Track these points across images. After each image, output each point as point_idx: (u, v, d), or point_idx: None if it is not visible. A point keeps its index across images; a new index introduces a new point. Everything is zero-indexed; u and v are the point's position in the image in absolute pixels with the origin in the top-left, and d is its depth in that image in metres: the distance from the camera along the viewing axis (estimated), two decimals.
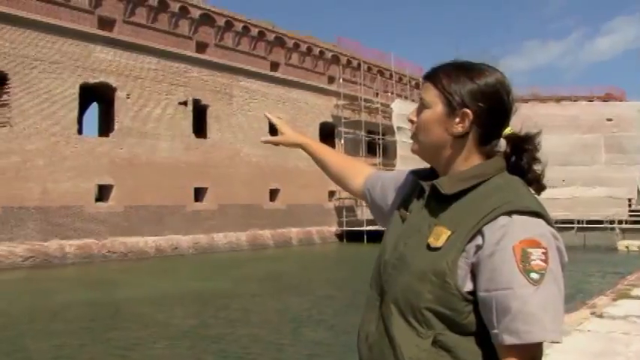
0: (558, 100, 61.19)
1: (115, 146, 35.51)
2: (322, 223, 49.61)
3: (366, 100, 54.52)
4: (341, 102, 53.01)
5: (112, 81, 35.66)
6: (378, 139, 53.72)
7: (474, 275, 1.57)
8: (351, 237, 47.77)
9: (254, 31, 45.80)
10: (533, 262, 1.49)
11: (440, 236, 1.63)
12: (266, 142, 2.53)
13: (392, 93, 58.06)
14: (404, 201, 1.90)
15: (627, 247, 41.45)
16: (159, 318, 17.53)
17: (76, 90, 33.87)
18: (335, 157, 2.38)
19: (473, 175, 1.68)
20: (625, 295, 11.17)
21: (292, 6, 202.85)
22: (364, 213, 46.80)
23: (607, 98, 62.73)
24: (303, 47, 50.60)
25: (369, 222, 45.46)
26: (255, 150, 42.97)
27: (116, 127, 35.95)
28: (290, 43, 49.08)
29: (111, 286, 24.11)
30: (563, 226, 45.08)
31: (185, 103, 39.89)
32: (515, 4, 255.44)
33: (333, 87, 53.14)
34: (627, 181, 50.34)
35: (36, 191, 31.16)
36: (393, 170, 2.30)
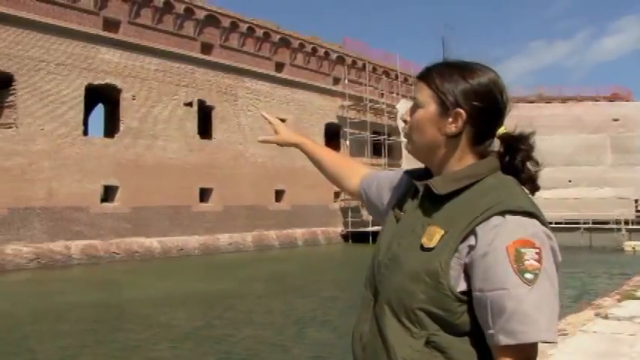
0: (564, 100, 61.13)
1: (120, 147, 35.58)
2: (327, 223, 49.62)
3: (371, 101, 54.55)
4: (346, 103, 53.01)
5: (117, 82, 35.74)
6: (384, 139, 53.72)
7: (467, 275, 1.57)
8: (356, 238, 47.73)
9: (259, 32, 45.83)
10: (527, 262, 1.49)
11: (433, 236, 1.62)
12: (263, 141, 2.53)
13: (397, 94, 58.00)
14: (399, 201, 1.90)
15: (634, 247, 41.25)
16: (163, 319, 17.53)
17: (82, 91, 33.96)
18: (331, 156, 2.38)
19: (466, 175, 1.67)
20: (630, 296, 11.13)
21: (297, 7, 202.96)
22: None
23: (613, 98, 62.59)
24: (308, 48, 50.62)
25: (375, 223, 45.37)
26: (260, 151, 43.01)
27: (122, 128, 36.02)
28: (295, 44, 49.10)
29: (116, 287, 24.15)
30: (569, 226, 45.04)
31: (190, 104, 39.95)
32: (521, 4, 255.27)
33: (338, 88, 53.13)
34: (634, 182, 50.15)
35: (42, 192, 31.24)
36: (391, 170, 2.28)
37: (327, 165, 2.34)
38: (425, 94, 1.74)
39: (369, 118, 53.82)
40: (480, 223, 1.56)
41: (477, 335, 1.55)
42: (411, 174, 1.89)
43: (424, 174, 1.82)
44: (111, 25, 36.21)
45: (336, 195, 49.17)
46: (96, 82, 34.66)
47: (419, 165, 1.89)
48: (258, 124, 42.68)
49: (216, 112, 41.81)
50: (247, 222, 42.35)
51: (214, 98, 41.66)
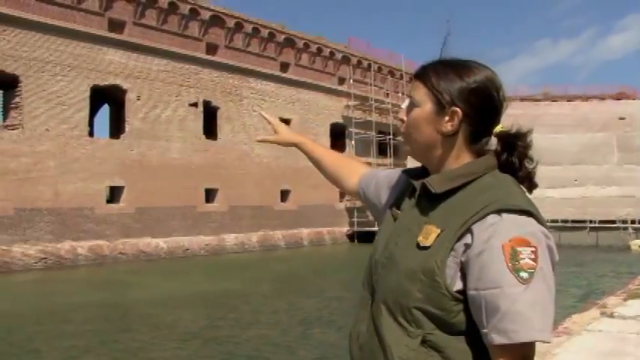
0: (570, 99, 60.88)
1: (125, 148, 35.63)
2: (333, 223, 49.64)
3: (376, 101, 54.51)
4: (352, 102, 52.98)
5: (122, 83, 35.79)
6: (389, 139, 53.67)
7: (463, 274, 1.55)
8: (362, 237, 47.66)
9: (264, 32, 45.83)
10: (522, 261, 1.47)
11: (429, 235, 1.61)
12: (261, 141, 2.54)
13: (402, 93, 57.89)
14: (397, 200, 1.89)
15: None
16: (169, 320, 17.57)
17: (87, 92, 34.03)
18: (330, 156, 2.37)
19: (462, 174, 1.66)
20: (636, 295, 11.09)
21: (302, 7, 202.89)
22: None
23: (619, 97, 62.33)
24: (313, 48, 50.61)
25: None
26: (265, 151, 43.04)
27: (127, 128, 36.08)
28: (300, 44, 49.10)
29: (122, 287, 24.20)
30: (575, 225, 44.98)
31: (195, 105, 40.00)
32: (526, 4, 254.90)
33: (343, 88, 53.12)
34: None
35: (47, 193, 31.31)
36: (390, 169, 2.28)
37: (327, 164, 2.34)
38: (421, 93, 1.73)
39: (375, 118, 53.79)
40: (476, 221, 1.54)
41: (474, 334, 1.54)
42: (409, 173, 1.88)
43: (422, 173, 1.81)
44: (116, 26, 36.27)
45: (342, 195, 49.15)
46: (101, 83, 34.73)
47: None
48: (263, 124, 42.06)
49: (221, 113, 41.85)
50: (253, 222, 42.38)
51: (219, 98, 41.70)
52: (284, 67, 48.06)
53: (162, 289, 23.62)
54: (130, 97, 36.28)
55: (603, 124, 53.04)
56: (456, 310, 1.55)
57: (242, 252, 39.95)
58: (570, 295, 20.77)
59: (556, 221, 45.36)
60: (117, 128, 37.84)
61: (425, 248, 1.60)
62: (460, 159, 1.70)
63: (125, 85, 35.96)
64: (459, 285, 1.55)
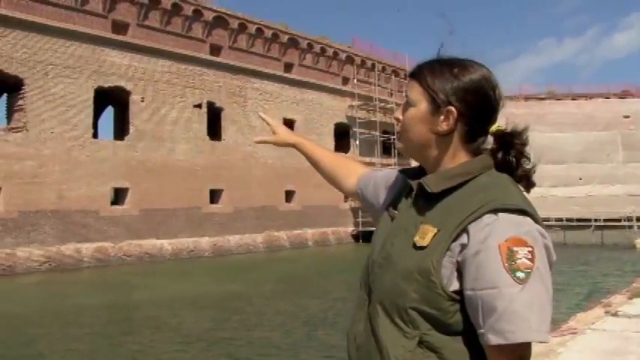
0: (574, 97, 60.85)
1: (130, 149, 35.67)
2: (338, 223, 49.63)
3: (380, 101, 54.50)
4: (355, 102, 52.99)
5: (126, 84, 35.84)
6: (393, 139, 53.58)
7: (459, 274, 1.54)
8: (367, 238, 47.55)
9: (268, 33, 45.86)
10: (519, 261, 1.46)
11: (426, 235, 1.60)
12: (259, 142, 2.54)
13: None
14: (394, 200, 1.88)
15: None
16: (173, 321, 17.58)
17: (91, 94, 34.08)
18: (328, 156, 2.37)
19: (459, 173, 1.65)
20: None
21: (306, 7, 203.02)
22: None
23: (624, 95, 62.21)
24: (317, 48, 50.62)
25: None
26: (270, 152, 43.04)
27: (131, 130, 36.12)
28: (304, 44, 49.11)
29: (126, 289, 24.21)
30: (580, 224, 44.88)
31: (200, 106, 40.03)
32: (530, 3, 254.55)
33: (347, 87, 53.12)
34: None
35: (52, 195, 31.37)
36: (388, 169, 2.27)
37: (325, 165, 2.33)
38: (416, 92, 1.72)
39: (379, 117, 53.79)
40: (473, 221, 1.53)
41: (470, 334, 1.53)
42: (406, 173, 1.87)
43: (419, 173, 1.80)
44: (119, 27, 36.32)
45: (347, 195, 49.05)
46: (105, 85, 34.78)
47: None
48: (265, 125, 42.60)
49: (225, 114, 41.88)
50: (257, 223, 42.40)
51: (223, 99, 41.73)
52: (288, 67, 48.08)
53: (167, 290, 23.64)
54: (134, 98, 36.33)
55: (608, 123, 53.02)
56: (453, 310, 1.54)
57: (247, 253, 39.97)
58: (575, 294, 20.74)
59: (561, 220, 45.33)
60: (121, 130, 37.88)
61: (421, 248, 1.59)
62: (456, 158, 1.69)
63: (129, 87, 36.01)
64: (455, 285, 1.54)
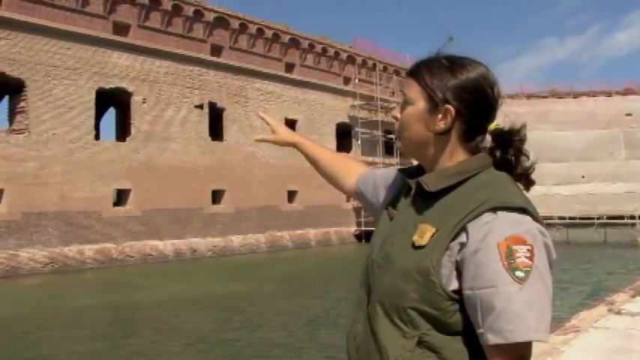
0: (576, 95, 60.78)
1: (132, 151, 35.68)
2: (340, 223, 49.62)
3: (382, 100, 54.47)
4: (357, 102, 52.99)
5: (127, 86, 35.85)
6: (396, 139, 53.48)
7: (459, 273, 1.53)
8: (369, 237, 46.69)
9: (268, 33, 45.85)
10: (518, 260, 1.45)
11: (424, 234, 1.59)
12: (260, 140, 2.53)
13: None
14: (393, 199, 1.87)
15: None
16: (175, 322, 17.57)
17: (92, 95, 34.09)
18: (328, 156, 2.36)
19: (457, 172, 1.64)
20: None
21: (306, 8, 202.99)
22: None
23: (626, 93, 62.13)
24: (318, 48, 50.60)
25: None
26: (271, 152, 43.06)
27: (133, 131, 36.13)
28: (305, 44, 49.10)
29: (128, 290, 24.22)
30: (582, 222, 44.85)
31: (201, 106, 40.03)
32: (531, 2, 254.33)
33: (349, 87, 53.12)
34: None
35: (54, 197, 31.38)
36: (388, 168, 2.26)
37: (324, 164, 2.33)
38: (414, 91, 1.71)
39: (381, 117, 53.77)
40: (472, 220, 1.52)
41: (470, 334, 1.52)
42: (405, 172, 1.87)
43: (418, 172, 1.79)
44: (120, 28, 36.33)
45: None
46: (106, 86, 34.80)
47: None
48: (269, 129, 42.57)
49: (226, 114, 41.88)
50: (260, 223, 42.41)
51: (225, 100, 41.73)
52: (289, 67, 48.07)
53: (169, 291, 23.65)
54: (136, 99, 36.34)
55: (610, 121, 52.96)
56: (452, 310, 1.53)
57: (249, 253, 39.98)
58: (578, 292, 20.72)
59: (563, 218, 45.30)
60: (123, 131, 37.91)
61: (420, 247, 1.58)
62: (454, 157, 1.68)
63: (130, 88, 36.01)
64: (454, 284, 1.53)
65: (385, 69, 57.86)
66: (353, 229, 50.70)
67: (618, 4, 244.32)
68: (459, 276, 1.53)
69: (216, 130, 41.27)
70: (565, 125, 52.13)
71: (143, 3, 37.12)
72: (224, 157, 41.07)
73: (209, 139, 40.45)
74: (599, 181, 49.18)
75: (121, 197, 35.88)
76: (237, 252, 39.74)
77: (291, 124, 43.29)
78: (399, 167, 2.00)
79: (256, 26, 44.81)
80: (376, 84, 54.97)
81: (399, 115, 1.77)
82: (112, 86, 35.13)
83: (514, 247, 1.46)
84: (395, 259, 1.65)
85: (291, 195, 45.96)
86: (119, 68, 35.49)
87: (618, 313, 8.79)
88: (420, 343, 1.55)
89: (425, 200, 1.67)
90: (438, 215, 1.60)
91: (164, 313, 19.14)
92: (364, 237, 48.59)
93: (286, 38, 47.42)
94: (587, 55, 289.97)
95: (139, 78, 36.49)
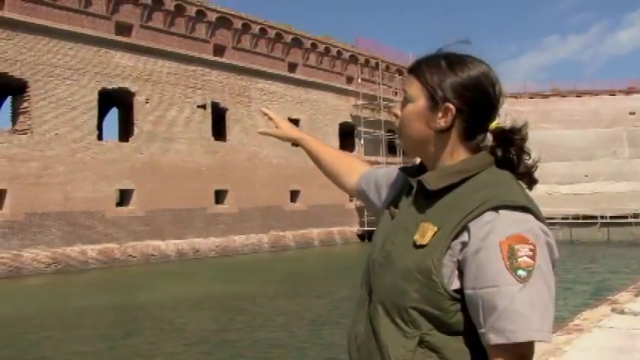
0: (579, 94, 60.68)
1: (134, 151, 35.71)
2: (344, 223, 49.63)
3: (385, 100, 54.46)
4: (360, 102, 52.99)
5: (130, 86, 35.88)
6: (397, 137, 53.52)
7: (460, 273, 1.52)
8: (372, 237, 47.51)
9: (271, 33, 45.87)
10: (520, 259, 1.44)
11: (426, 233, 1.58)
12: (262, 133, 2.55)
13: None
14: (395, 198, 1.86)
15: None
16: (178, 323, 17.56)
17: (95, 96, 34.13)
18: (330, 153, 2.35)
19: (458, 170, 1.63)
20: None
21: (309, 7, 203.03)
22: None
23: (629, 91, 61.99)
24: (321, 48, 50.62)
25: None
26: (275, 152, 43.10)
27: (136, 131, 36.16)
28: (307, 44, 49.12)
29: (131, 290, 24.23)
30: (586, 221, 44.80)
31: (204, 106, 40.06)
32: (532, 1, 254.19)
33: (351, 87, 53.12)
34: None
35: (57, 197, 31.41)
36: (390, 167, 2.25)
37: (327, 162, 2.32)
38: (415, 88, 1.70)
39: (383, 116, 53.74)
40: (473, 219, 1.51)
41: (472, 334, 1.51)
42: (407, 170, 1.85)
43: (419, 170, 1.78)
44: (123, 29, 36.37)
45: None
46: (109, 86, 34.83)
47: None
48: (272, 125, 42.57)
49: (229, 114, 41.91)
50: (263, 223, 42.42)
51: (228, 100, 41.75)
52: (292, 67, 48.10)
53: (172, 291, 23.64)
54: (139, 99, 36.37)
55: (613, 119, 52.86)
56: (454, 309, 1.52)
57: (252, 253, 40.00)
58: (581, 292, 20.69)
59: (567, 217, 45.24)
60: (126, 131, 37.93)
61: (421, 247, 1.57)
62: (455, 156, 1.67)
63: (133, 88, 36.04)
64: (456, 284, 1.52)
65: (388, 68, 57.85)
66: (356, 228, 50.71)
67: (621, 2, 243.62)
68: (461, 275, 1.52)
69: (219, 130, 41.30)
70: (568, 124, 52.08)
71: (145, 3, 37.16)
72: (227, 157, 41.09)
73: (212, 139, 40.48)
74: (602, 180, 49.05)
75: (123, 197, 35.90)
76: (240, 252, 39.75)
77: (294, 123, 42.89)
78: (400, 166, 1.99)
79: (259, 26, 44.83)
80: (379, 83, 54.96)
81: (399, 113, 1.76)
82: (115, 86, 35.16)
83: (516, 247, 1.45)
84: (396, 258, 1.64)
85: (294, 195, 45.95)
86: (122, 68, 35.52)
87: (621, 312, 8.77)
88: (422, 343, 1.54)
89: (426, 199, 1.65)
90: (440, 214, 1.59)
91: (166, 313, 19.14)
92: (367, 237, 48.53)
93: (289, 38, 47.44)
94: (590, 53, 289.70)
95: (141, 78, 36.51)
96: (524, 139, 1.66)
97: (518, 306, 1.41)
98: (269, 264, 34.42)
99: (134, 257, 33.93)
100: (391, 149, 55.22)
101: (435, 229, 1.57)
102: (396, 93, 56.79)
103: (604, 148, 50.50)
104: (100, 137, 35.55)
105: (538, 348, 1.52)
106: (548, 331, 1.43)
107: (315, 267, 32.45)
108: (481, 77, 1.64)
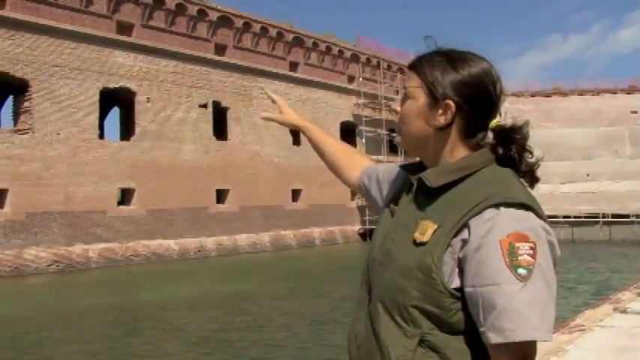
0: (581, 93, 60.61)
1: (136, 150, 35.72)
2: (345, 222, 49.62)
3: (386, 99, 54.44)
4: (361, 101, 52.97)
5: (131, 85, 35.89)
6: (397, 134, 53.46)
7: (461, 271, 1.51)
8: None
9: (272, 32, 45.88)
10: (520, 257, 1.42)
11: (426, 231, 1.57)
12: (265, 118, 2.54)
13: None
14: (395, 195, 1.85)
15: None
16: (179, 322, 17.54)
17: (97, 95, 34.14)
18: (334, 145, 2.34)
19: (459, 167, 1.61)
20: None
21: (310, 6, 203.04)
22: None
23: (631, 90, 61.97)
24: (322, 47, 50.62)
25: None
26: (276, 151, 43.12)
27: (137, 131, 36.18)
28: (309, 43, 49.12)
29: (133, 289, 24.22)
30: (588, 220, 44.73)
31: (205, 106, 40.06)
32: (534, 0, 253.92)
33: (353, 86, 53.11)
34: None
35: (59, 197, 31.43)
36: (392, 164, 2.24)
37: (329, 153, 2.31)
38: (415, 85, 1.69)
39: (385, 115, 53.74)
40: (474, 216, 1.50)
41: (473, 334, 1.49)
42: (407, 168, 1.84)
43: (419, 168, 1.76)
44: (124, 28, 36.38)
45: (353, 193, 49.10)
46: (110, 86, 34.84)
47: None
48: (274, 124, 42.52)
49: (231, 113, 41.91)
50: (264, 222, 42.42)
51: (229, 99, 41.75)
52: (293, 66, 48.10)
53: (174, 291, 23.64)
54: (140, 99, 36.38)
55: (615, 118, 52.81)
56: (454, 308, 1.51)
57: (254, 252, 39.99)
58: (583, 291, 20.66)
59: (569, 217, 45.16)
60: (127, 131, 37.95)
61: (421, 244, 1.56)
62: (455, 153, 1.65)
63: (135, 88, 36.05)
64: (456, 282, 1.51)
65: (389, 67, 57.84)
66: (357, 227, 50.68)
67: (622, 1, 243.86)
68: (461, 273, 1.51)
69: (220, 130, 41.32)
70: (570, 123, 52.04)
71: (147, 2, 37.18)
72: (228, 156, 41.09)
73: (213, 138, 40.49)
74: (604, 179, 48.88)
75: (125, 197, 35.91)
76: (242, 251, 39.76)
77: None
78: (400, 163, 1.98)
79: (260, 25, 44.83)
80: (380, 82, 54.96)
81: (399, 109, 1.75)
82: (116, 86, 35.19)
83: (516, 245, 1.43)
84: (396, 256, 1.62)
85: (296, 194, 45.95)
86: (123, 68, 35.54)
87: (624, 311, 8.76)
88: (422, 342, 1.53)
89: (427, 196, 1.64)
90: (440, 211, 1.58)
91: (168, 313, 19.14)
92: (369, 235, 48.36)
93: (290, 37, 47.44)
94: (592, 52, 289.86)
95: (143, 77, 36.52)
96: (525, 138, 1.64)
97: (518, 305, 1.39)
98: (270, 263, 34.42)
99: (135, 257, 33.95)
100: (392, 148, 55.15)
101: (436, 226, 1.55)
102: (398, 92, 56.68)
103: (606, 147, 50.32)
104: (101, 137, 35.62)
105: (540, 347, 1.51)
106: (548, 330, 1.42)
107: (317, 266, 32.43)
108: (482, 75, 1.63)
